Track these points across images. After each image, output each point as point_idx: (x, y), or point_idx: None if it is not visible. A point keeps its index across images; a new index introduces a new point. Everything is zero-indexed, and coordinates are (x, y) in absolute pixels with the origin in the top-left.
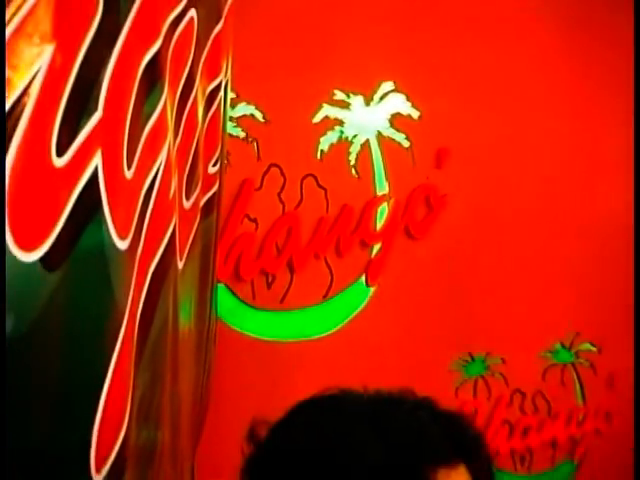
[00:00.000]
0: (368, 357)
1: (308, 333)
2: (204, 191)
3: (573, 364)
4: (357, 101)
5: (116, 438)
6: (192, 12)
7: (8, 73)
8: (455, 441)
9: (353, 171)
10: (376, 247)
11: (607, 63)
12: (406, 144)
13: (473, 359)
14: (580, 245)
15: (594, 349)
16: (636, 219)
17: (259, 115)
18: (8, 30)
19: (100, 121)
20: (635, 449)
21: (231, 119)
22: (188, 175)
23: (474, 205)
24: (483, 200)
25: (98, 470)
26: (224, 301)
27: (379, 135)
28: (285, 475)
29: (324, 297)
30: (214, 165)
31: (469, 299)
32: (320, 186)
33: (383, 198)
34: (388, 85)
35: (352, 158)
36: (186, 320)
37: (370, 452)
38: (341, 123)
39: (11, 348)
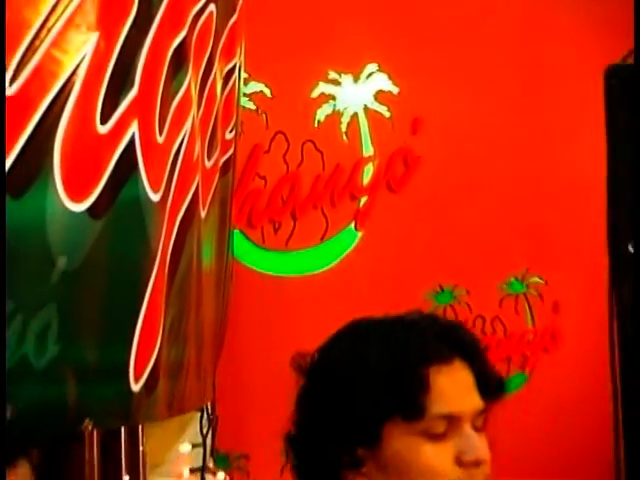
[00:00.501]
0: (357, 288)
1: (307, 269)
2: (222, 153)
3: (524, 294)
4: (347, 80)
5: (151, 355)
6: (212, 7)
7: (60, 57)
8: (450, 340)
9: (344, 137)
10: (363, 199)
11: (577, 32)
12: (387, 115)
13: (443, 290)
14: (532, 197)
15: (542, 281)
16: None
17: (267, 91)
18: (61, 21)
19: (136, 96)
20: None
21: (244, 95)
22: (209, 140)
23: (443, 164)
24: (451, 160)
25: (136, 380)
26: (239, 244)
27: (365, 108)
28: (320, 386)
29: (321, 240)
30: (230, 132)
31: (440, 240)
32: (317, 149)
33: (369, 159)
34: (373, 66)
35: (343, 127)
36: (208, 259)
37: (371, 358)
38: (334, 98)
39: (66, 281)
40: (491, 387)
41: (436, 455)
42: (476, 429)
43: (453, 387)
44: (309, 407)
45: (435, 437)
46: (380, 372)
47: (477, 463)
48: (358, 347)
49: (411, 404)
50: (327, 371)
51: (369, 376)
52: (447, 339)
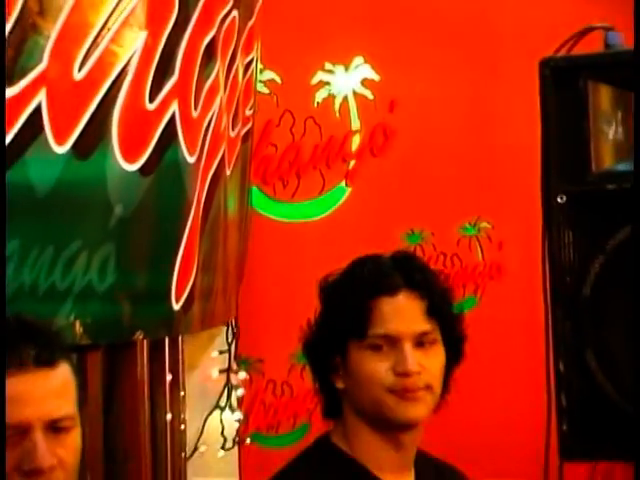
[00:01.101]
0: (347, 231)
1: (308, 216)
2: (243, 126)
3: (476, 236)
4: (339, 70)
5: (188, 282)
6: (235, 12)
7: (117, 50)
8: (401, 275)
9: (337, 114)
10: (352, 162)
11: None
12: (370, 97)
13: (413, 232)
14: (483, 160)
15: (489, 226)
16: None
17: (277, 79)
18: (117, 22)
19: (176, 81)
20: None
21: (260, 81)
22: (233, 116)
23: (414, 135)
24: (420, 131)
25: (177, 301)
26: (255, 197)
27: (354, 92)
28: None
29: (319, 194)
30: (249, 110)
31: (411, 193)
32: (316, 124)
33: (356, 131)
34: (359, 59)
35: (336, 106)
36: (232, 208)
37: (342, 289)
38: (329, 84)
39: (122, 224)
40: (440, 310)
41: (375, 365)
42: (420, 345)
43: (394, 313)
44: (314, 321)
45: (377, 351)
46: (344, 301)
47: (406, 374)
48: (339, 279)
49: (357, 327)
50: (322, 295)
51: (337, 304)
52: (400, 274)
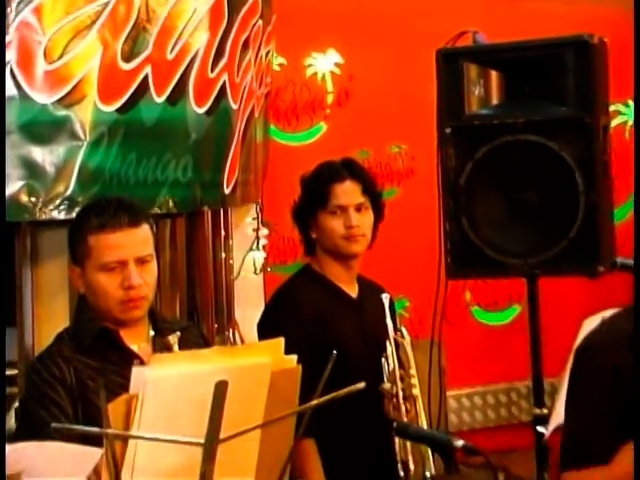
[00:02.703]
0: (325, 150)
1: (303, 141)
2: (265, 88)
3: (398, 152)
4: (320, 56)
5: (233, 177)
6: (260, 21)
7: (192, 42)
8: (348, 169)
9: (319, 82)
10: (328, 110)
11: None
12: (338, 72)
13: (363, 150)
14: (404, 107)
15: (406, 146)
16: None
17: (285, 62)
18: (190, 26)
19: (226, 62)
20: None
21: (275, 64)
22: (259, 83)
23: (363, 95)
24: (367, 93)
25: (227, 188)
26: (272, 130)
27: (331, 71)
28: (303, 187)
29: (308, 128)
30: (268, 79)
31: (363, 125)
32: (307, 88)
33: (330, 92)
34: (332, 50)
35: (319, 78)
36: (259, 136)
37: (309, 178)
38: (314, 65)
39: (196, 144)
40: (370, 190)
41: (333, 223)
42: (359, 210)
43: (343, 192)
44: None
45: (334, 215)
46: (313, 186)
47: (351, 227)
48: (311, 173)
49: (322, 200)
50: (301, 183)
51: (309, 188)
52: (346, 169)
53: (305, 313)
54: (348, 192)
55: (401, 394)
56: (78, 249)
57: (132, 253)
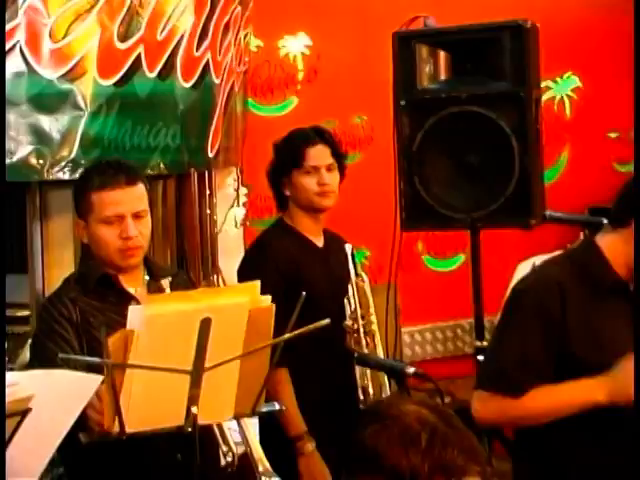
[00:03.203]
0: (297, 119)
1: (277, 112)
2: (244, 66)
3: (360, 123)
4: (292, 39)
5: (217, 142)
6: (239, 8)
7: (178, 25)
8: (318, 135)
9: (291, 62)
10: (298, 86)
11: None
12: (308, 53)
13: (329, 121)
14: (365, 80)
15: (366, 117)
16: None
17: (261, 44)
18: (177, 11)
19: (210, 42)
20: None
21: (252, 45)
22: (238, 61)
23: (328, 72)
24: (332, 71)
25: (211, 152)
26: (250, 103)
27: (301, 52)
28: (275, 150)
29: (282, 101)
30: (246, 59)
31: (327, 101)
32: (281, 67)
33: (301, 70)
34: (302, 34)
35: (291, 58)
36: (239, 108)
37: (287, 142)
38: (286, 47)
39: (182, 114)
40: (337, 153)
41: (305, 180)
42: (330, 170)
43: (314, 153)
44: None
45: (308, 174)
46: (287, 148)
47: (325, 184)
48: (285, 138)
49: (296, 161)
50: (274, 147)
51: (283, 150)
52: (317, 135)
53: (278, 259)
54: (320, 154)
55: (362, 330)
56: (82, 205)
57: (129, 208)
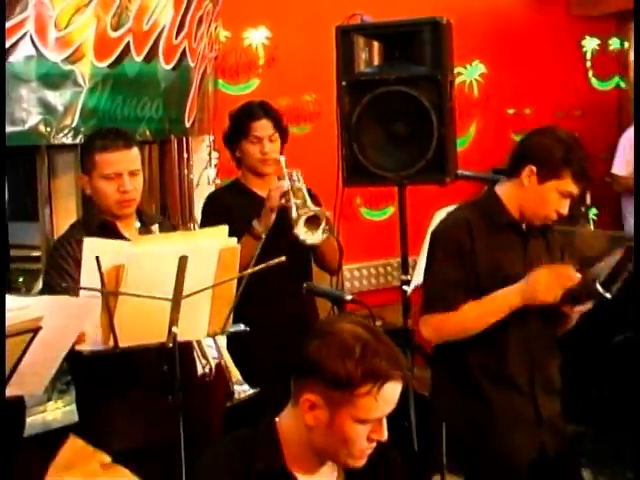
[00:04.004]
0: (259, 96)
1: (243, 91)
2: (215, 53)
3: (309, 100)
4: (253, 31)
5: (193, 113)
6: (210, 5)
7: (159, 18)
8: (263, 110)
9: (253, 51)
10: (260, 70)
11: None
12: (268, 43)
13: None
14: (319, 65)
15: (315, 96)
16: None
17: (229, 34)
18: (161, 5)
19: (186, 32)
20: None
21: (222, 36)
22: (209, 48)
23: (284, 59)
24: (287, 59)
25: (187, 122)
26: (220, 84)
27: (262, 43)
28: (231, 120)
29: (246, 82)
30: (217, 46)
31: (282, 80)
32: (245, 54)
33: (261, 57)
34: (263, 27)
35: (253, 48)
36: (210, 87)
37: (238, 116)
38: (249, 38)
39: (165, 90)
40: (279, 126)
41: (252, 148)
42: (271, 141)
43: (259, 126)
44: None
45: (254, 143)
46: (238, 120)
47: (265, 154)
48: (236, 111)
49: (244, 132)
50: (230, 117)
51: (236, 122)
52: (262, 109)
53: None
54: (263, 127)
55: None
56: (87, 163)
57: (126, 167)
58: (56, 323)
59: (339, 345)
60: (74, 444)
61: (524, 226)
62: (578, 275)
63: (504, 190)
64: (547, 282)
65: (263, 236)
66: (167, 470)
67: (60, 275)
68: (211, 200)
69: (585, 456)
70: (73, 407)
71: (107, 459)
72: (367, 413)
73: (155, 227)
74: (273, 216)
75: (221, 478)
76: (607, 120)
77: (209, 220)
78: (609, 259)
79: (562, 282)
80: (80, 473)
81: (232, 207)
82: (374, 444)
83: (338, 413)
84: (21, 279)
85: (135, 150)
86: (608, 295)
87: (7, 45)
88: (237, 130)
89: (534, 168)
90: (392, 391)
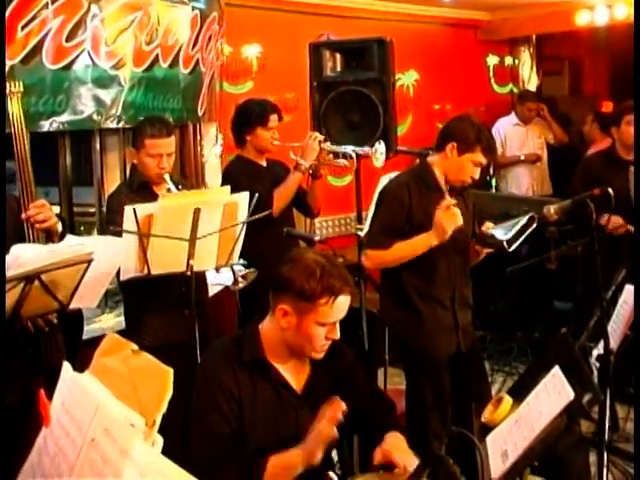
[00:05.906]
0: (255, 94)
1: (241, 91)
2: (219, 62)
3: (294, 97)
4: (248, 47)
5: (204, 104)
6: (217, 26)
7: (180, 37)
8: (274, 107)
9: (249, 61)
10: (254, 74)
11: None
12: (259, 55)
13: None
14: (299, 71)
15: (294, 94)
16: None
17: (231, 49)
18: (180, 28)
19: (200, 45)
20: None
21: (225, 49)
22: (215, 58)
23: (271, 67)
24: (274, 66)
25: (200, 111)
26: (224, 85)
27: (255, 56)
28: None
29: (243, 83)
30: (222, 56)
31: (269, 81)
32: (243, 63)
33: (255, 65)
34: (257, 44)
35: (249, 60)
36: (217, 87)
37: (252, 106)
38: (246, 52)
39: (185, 88)
40: (280, 117)
41: (264, 134)
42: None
43: (273, 119)
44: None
45: (268, 129)
46: (255, 110)
47: None
48: (246, 103)
49: (263, 120)
50: (236, 109)
51: (251, 110)
52: (273, 107)
53: (235, 175)
54: (275, 120)
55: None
56: (138, 142)
57: (165, 150)
58: (104, 256)
59: (305, 268)
60: (111, 338)
61: (447, 188)
62: (490, 224)
63: (433, 161)
64: (441, 223)
65: (256, 195)
66: (184, 366)
67: (113, 220)
68: (229, 172)
69: (486, 352)
70: (121, 318)
71: (135, 347)
72: (325, 318)
73: (175, 189)
74: (315, 154)
75: (219, 364)
76: (502, 114)
77: (232, 181)
78: (516, 222)
79: (451, 221)
80: (115, 357)
81: (242, 173)
82: (330, 342)
83: (304, 318)
84: (82, 228)
85: (172, 138)
86: (510, 249)
87: (71, 57)
88: (256, 118)
89: (455, 144)
90: (343, 302)
